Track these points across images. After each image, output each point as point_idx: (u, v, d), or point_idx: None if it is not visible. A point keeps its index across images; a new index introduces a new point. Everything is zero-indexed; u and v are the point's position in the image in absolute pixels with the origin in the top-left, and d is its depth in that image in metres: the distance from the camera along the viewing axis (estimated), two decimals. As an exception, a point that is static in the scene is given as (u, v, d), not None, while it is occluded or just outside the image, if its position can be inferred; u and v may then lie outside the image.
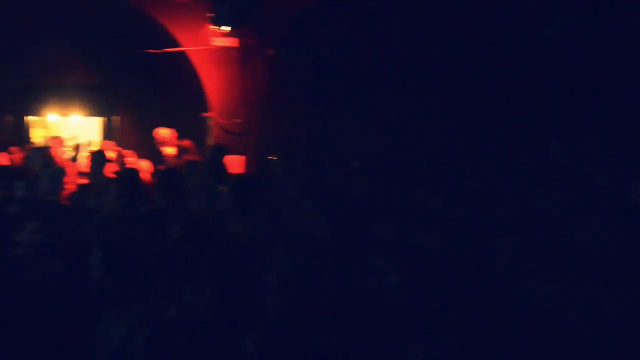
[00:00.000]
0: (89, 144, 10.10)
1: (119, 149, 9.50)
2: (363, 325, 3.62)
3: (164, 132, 9.33)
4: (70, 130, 11.58)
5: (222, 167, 7.20)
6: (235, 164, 9.46)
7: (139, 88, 11.30)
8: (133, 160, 8.88)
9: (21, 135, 11.74)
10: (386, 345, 3.47)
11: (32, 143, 11.16)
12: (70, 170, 7.93)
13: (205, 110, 10.28)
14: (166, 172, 6.42)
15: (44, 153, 8.44)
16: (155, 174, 7.67)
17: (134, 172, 6.36)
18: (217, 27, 9.78)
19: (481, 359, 3.43)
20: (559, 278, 3.92)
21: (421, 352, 3.35)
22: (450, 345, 3.42)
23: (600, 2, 9.64)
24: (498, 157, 6.91)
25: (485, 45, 9.98)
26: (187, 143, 9.23)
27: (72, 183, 7.51)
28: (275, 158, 7.10)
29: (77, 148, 9.80)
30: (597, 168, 6.18)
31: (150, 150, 9.32)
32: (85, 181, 7.72)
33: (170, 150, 9.20)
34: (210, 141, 10.06)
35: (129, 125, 11.73)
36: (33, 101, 11.84)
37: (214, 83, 10.17)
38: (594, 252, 4.36)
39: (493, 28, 9.97)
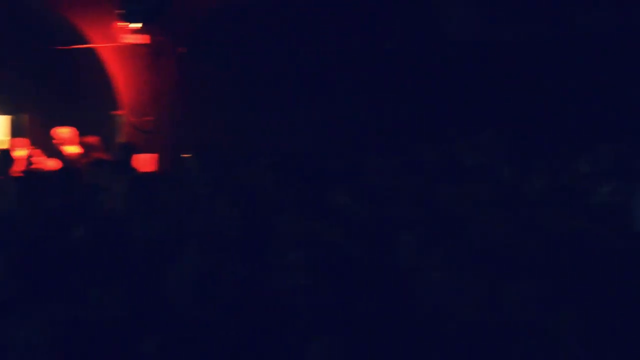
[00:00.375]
0: (-4, 142, 9.86)
1: (29, 147, 9.30)
2: (269, 322, 3.66)
3: (62, 131, 9.13)
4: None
5: (129, 165, 7.15)
6: (147, 162, 9.37)
7: (47, 85, 11.06)
8: (40, 159, 8.71)
9: None
10: (290, 340, 3.52)
11: None
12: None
13: (116, 108, 10.16)
14: (62, 171, 6.34)
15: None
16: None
17: (39, 172, 6.26)
18: (127, 24, 9.67)
19: (383, 354, 3.50)
20: (461, 272, 4.02)
21: (325, 347, 3.41)
22: (353, 339, 3.48)
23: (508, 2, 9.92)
24: (401, 152, 7.02)
25: (390, 40, 10.14)
26: (92, 140, 9.06)
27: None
28: (188, 156, 7.07)
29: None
30: (498, 163, 6.32)
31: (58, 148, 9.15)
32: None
33: (71, 149, 9.02)
34: (121, 139, 9.94)
35: (37, 123, 11.48)
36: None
37: (124, 80, 10.05)
38: (495, 247, 4.48)
39: (399, 24, 10.14)
